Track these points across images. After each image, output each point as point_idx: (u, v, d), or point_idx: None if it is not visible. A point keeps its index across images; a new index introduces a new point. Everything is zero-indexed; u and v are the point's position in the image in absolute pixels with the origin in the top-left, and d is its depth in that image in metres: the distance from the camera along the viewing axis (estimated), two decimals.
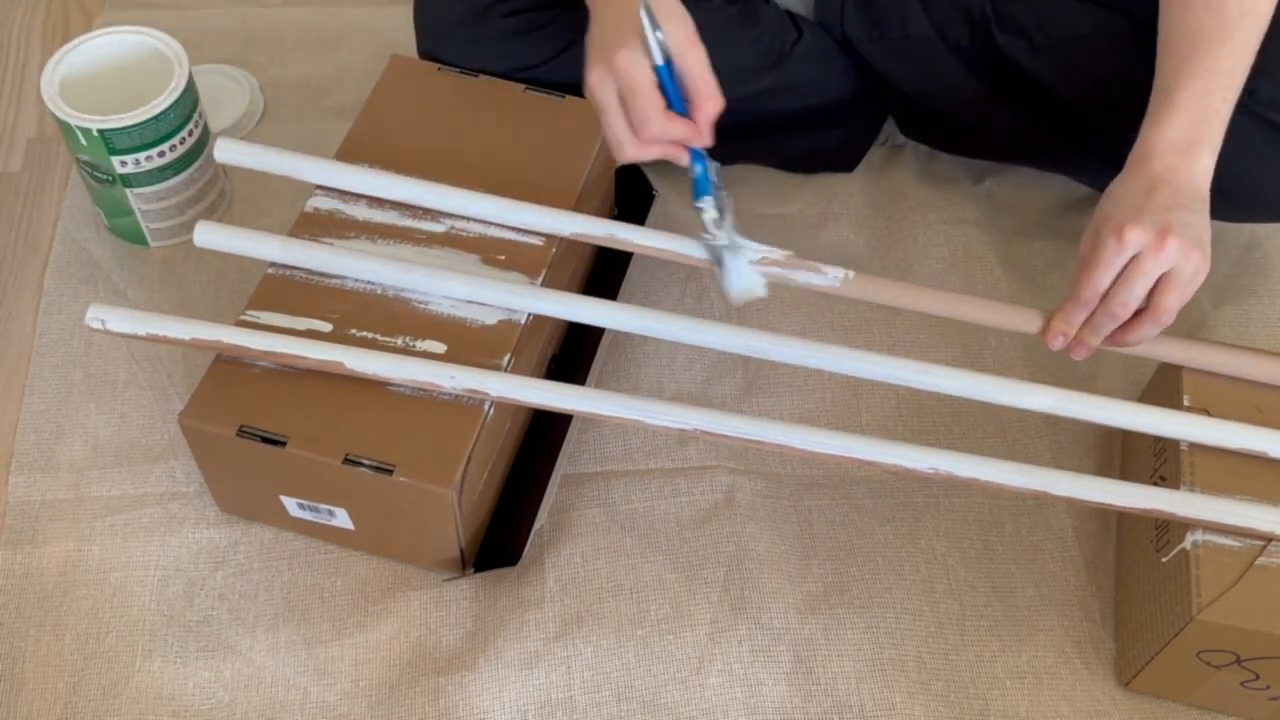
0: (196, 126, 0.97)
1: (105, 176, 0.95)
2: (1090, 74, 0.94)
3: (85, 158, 0.94)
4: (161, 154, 0.94)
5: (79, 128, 0.91)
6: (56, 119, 0.92)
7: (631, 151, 0.76)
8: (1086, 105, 0.96)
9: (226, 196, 1.05)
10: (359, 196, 0.87)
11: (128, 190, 0.96)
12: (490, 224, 0.86)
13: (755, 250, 0.81)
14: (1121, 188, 0.77)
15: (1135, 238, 0.73)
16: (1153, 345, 0.83)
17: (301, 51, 1.19)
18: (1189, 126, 0.76)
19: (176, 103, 0.93)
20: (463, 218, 0.86)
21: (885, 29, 1.00)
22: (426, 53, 0.98)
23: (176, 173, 0.96)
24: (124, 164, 0.93)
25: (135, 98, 0.92)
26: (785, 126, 1.05)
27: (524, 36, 0.95)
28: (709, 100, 0.75)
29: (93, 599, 0.83)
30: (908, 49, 0.99)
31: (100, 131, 0.90)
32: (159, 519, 0.86)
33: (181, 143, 0.95)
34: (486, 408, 0.78)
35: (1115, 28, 0.93)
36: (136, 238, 1.01)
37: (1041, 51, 0.95)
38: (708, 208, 0.79)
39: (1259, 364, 0.83)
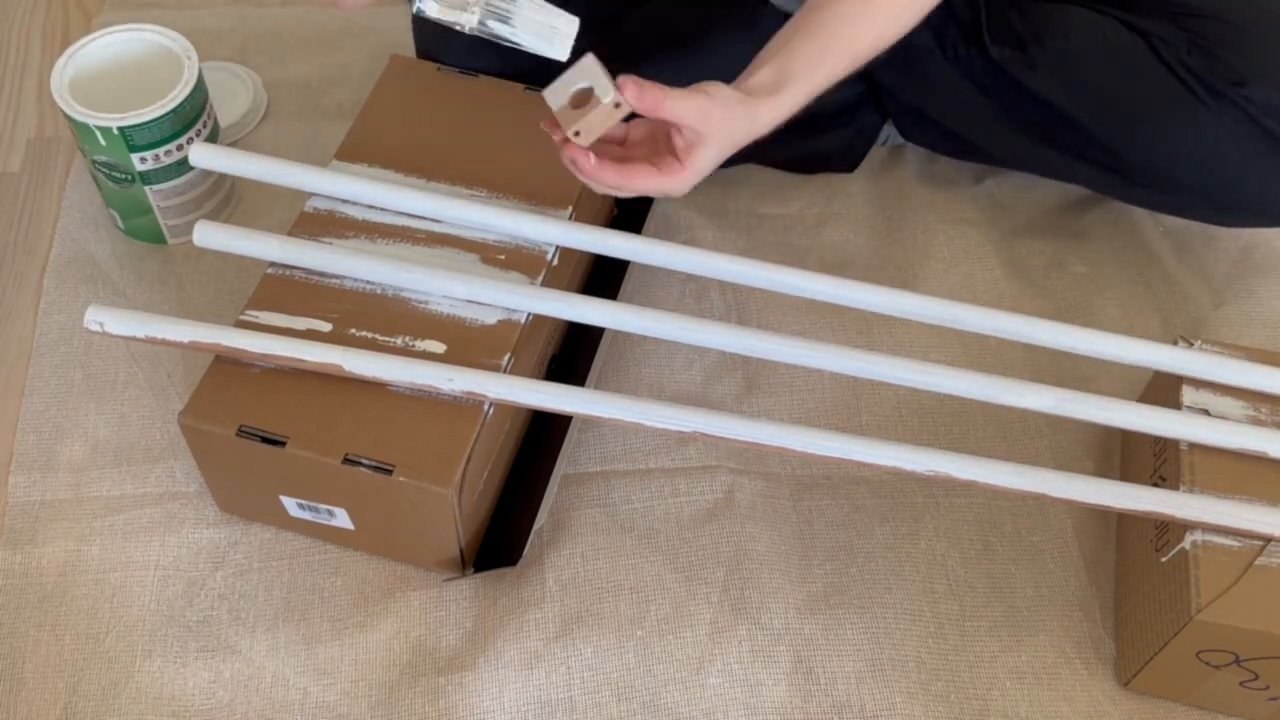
0: (209, 119, 0.97)
1: (124, 176, 0.94)
2: (1090, 88, 0.93)
3: (103, 158, 0.93)
4: (180, 148, 0.94)
5: (98, 128, 0.90)
6: (72, 121, 0.91)
7: None
8: (1086, 117, 0.95)
9: (236, 191, 1.06)
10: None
11: (146, 188, 0.96)
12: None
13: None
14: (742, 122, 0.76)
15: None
16: (1152, 350, 0.83)
17: (301, 51, 1.19)
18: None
19: (191, 95, 0.93)
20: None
21: None
22: (424, 56, 0.98)
23: (193, 167, 0.96)
24: (143, 160, 0.93)
25: (141, 96, 0.92)
26: (785, 128, 1.05)
27: None
28: None
29: (92, 599, 0.83)
30: (905, 57, 0.99)
31: (120, 129, 0.90)
32: (159, 519, 0.86)
33: (198, 135, 0.95)
34: (486, 408, 0.78)
35: (1115, 38, 0.92)
36: (154, 236, 1.01)
37: (1039, 67, 0.94)
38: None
39: (1259, 364, 0.83)
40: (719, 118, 0.73)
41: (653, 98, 0.70)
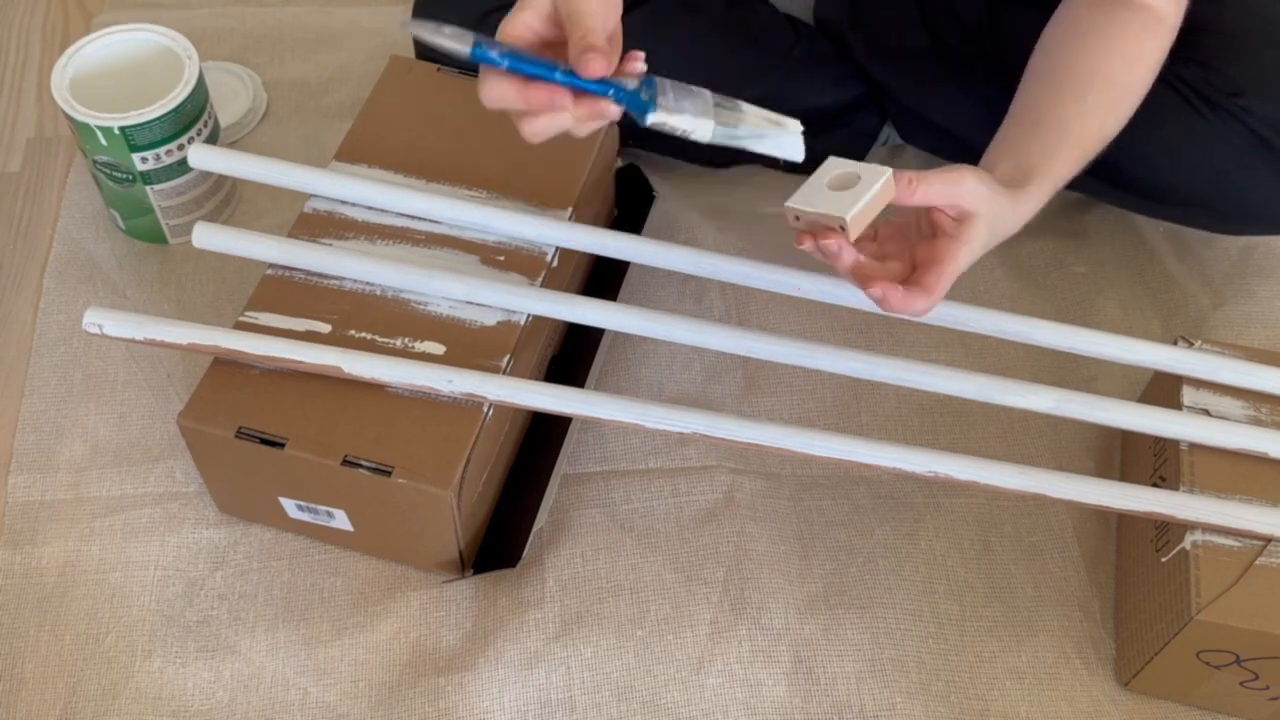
0: (210, 118, 0.97)
1: (125, 176, 0.94)
2: None
3: (104, 158, 0.93)
4: (180, 147, 0.94)
5: (99, 127, 0.90)
6: (74, 121, 0.91)
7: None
8: None
9: (237, 191, 1.06)
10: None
11: (148, 188, 0.96)
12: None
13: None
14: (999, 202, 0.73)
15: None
16: (1152, 350, 0.83)
17: (301, 51, 1.19)
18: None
19: (192, 94, 0.93)
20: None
21: (883, 39, 0.99)
22: (423, 57, 0.98)
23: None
24: (144, 160, 0.93)
25: (142, 96, 0.92)
26: None
27: None
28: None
29: (92, 599, 0.83)
30: (905, 61, 0.99)
31: (121, 129, 0.90)
32: (158, 519, 0.86)
33: (199, 134, 0.95)
34: (486, 409, 0.78)
35: None
36: (155, 236, 1.01)
37: None
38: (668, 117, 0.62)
39: (1259, 364, 0.83)
40: (988, 196, 0.70)
41: (927, 190, 0.67)
